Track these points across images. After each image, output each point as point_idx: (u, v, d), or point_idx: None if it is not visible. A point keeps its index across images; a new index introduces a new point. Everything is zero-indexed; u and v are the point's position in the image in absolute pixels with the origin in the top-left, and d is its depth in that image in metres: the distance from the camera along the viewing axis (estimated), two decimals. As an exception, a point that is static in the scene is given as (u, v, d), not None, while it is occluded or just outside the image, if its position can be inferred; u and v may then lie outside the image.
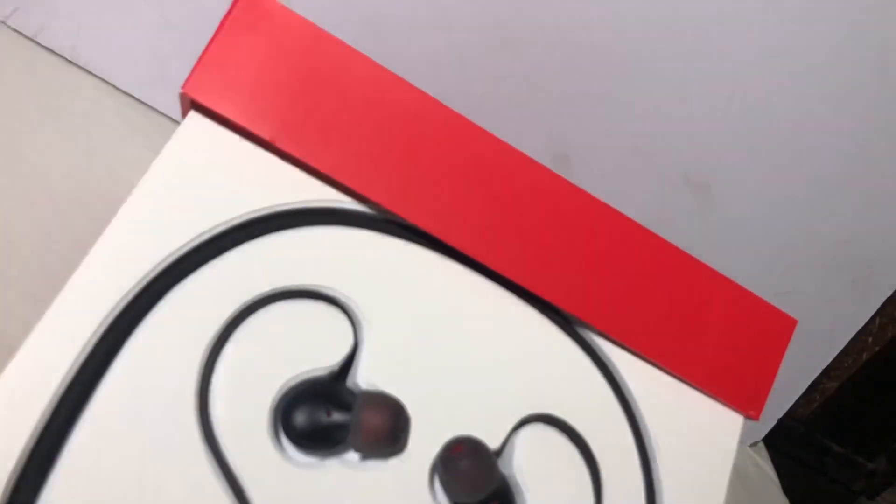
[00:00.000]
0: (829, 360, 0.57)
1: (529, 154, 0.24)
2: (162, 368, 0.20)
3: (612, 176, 0.48)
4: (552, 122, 0.46)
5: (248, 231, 0.22)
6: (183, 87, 0.22)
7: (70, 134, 0.41)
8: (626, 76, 0.45)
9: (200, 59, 0.22)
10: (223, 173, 0.22)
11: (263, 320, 0.21)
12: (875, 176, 0.48)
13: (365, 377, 0.22)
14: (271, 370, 0.21)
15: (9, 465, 0.18)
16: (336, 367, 0.21)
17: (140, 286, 0.20)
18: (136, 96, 0.45)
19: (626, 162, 0.47)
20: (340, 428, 0.20)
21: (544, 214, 0.24)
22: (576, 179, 0.25)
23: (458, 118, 0.23)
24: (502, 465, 0.22)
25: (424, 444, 0.21)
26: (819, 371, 0.58)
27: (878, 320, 0.56)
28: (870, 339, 0.58)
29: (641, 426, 0.24)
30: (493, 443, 0.22)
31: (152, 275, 0.20)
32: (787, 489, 0.55)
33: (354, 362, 0.22)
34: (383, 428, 0.20)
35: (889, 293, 0.53)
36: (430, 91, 0.23)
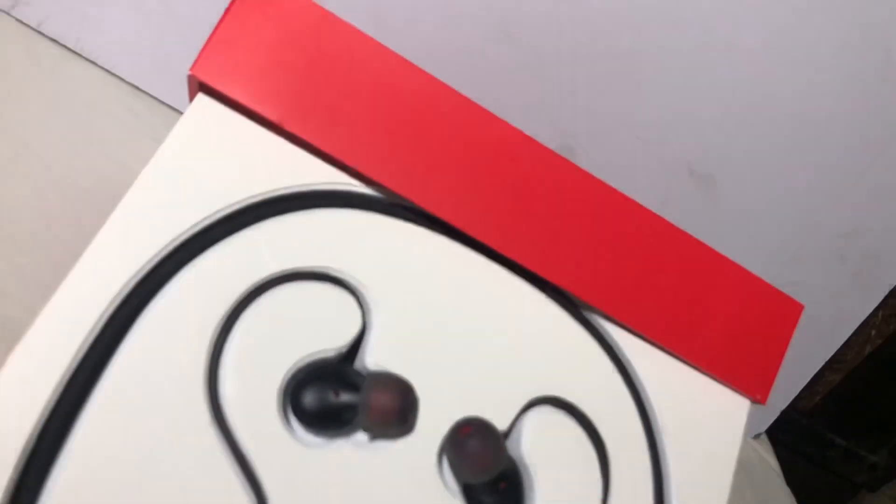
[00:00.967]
0: (832, 352, 0.57)
1: (533, 144, 0.24)
2: (171, 348, 0.20)
3: (616, 167, 0.48)
4: (556, 113, 0.46)
5: (257, 213, 0.22)
6: (191, 69, 0.22)
7: (74, 124, 0.41)
8: (630, 67, 0.45)
9: (208, 41, 0.22)
10: (231, 155, 0.22)
11: (272, 302, 0.21)
12: (879, 167, 0.48)
13: (373, 359, 0.22)
14: (280, 351, 0.21)
15: (19, 444, 0.18)
16: (344, 349, 0.21)
17: (149, 267, 0.20)
18: (139, 87, 0.45)
19: (630, 153, 0.47)
20: (349, 408, 0.21)
21: (552, 198, 0.24)
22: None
23: (466, 102, 0.23)
24: (510, 447, 0.22)
25: (432, 424, 0.21)
26: (822, 363, 0.58)
27: (880, 313, 0.56)
28: (872, 332, 0.58)
29: (649, 409, 0.24)
30: (501, 425, 0.22)
31: (161, 255, 0.20)
32: (789, 482, 0.55)
33: (362, 344, 0.22)
34: (392, 408, 0.20)
35: (893, 285, 0.53)
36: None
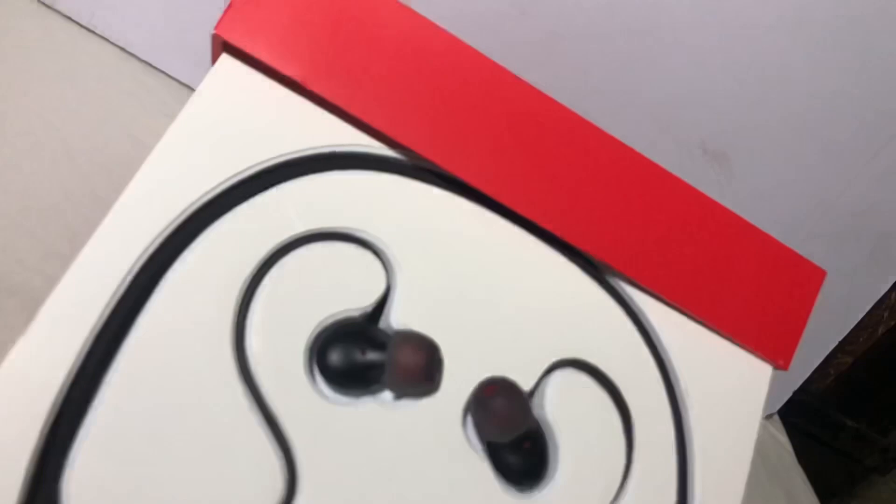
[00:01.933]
0: (844, 333, 0.57)
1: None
2: (198, 305, 0.20)
3: (629, 144, 0.48)
4: (569, 90, 0.46)
5: (281, 173, 0.22)
6: (216, 28, 0.21)
7: (88, 99, 0.41)
8: (643, 44, 0.45)
9: (233, 1, 0.22)
10: (256, 116, 0.22)
11: (297, 261, 0.21)
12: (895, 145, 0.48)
13: (397, 319, 0.22)
14: (305, 310, 0.21)
15: (50, 397, 0.18)
16: (369, 309, 0.22)
17: (175, 225, 0.20)
18: (153, 63, 0.45)
19: (643, 130, 0.47)
20: (375, 367, 0.21)
21: (576, 161, 0.24)
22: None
23: (490, 63, 0.23)
24: (534, 408, 0.22)
25: (457, 384, 0.21)
26: (834, 345, 0.58)
27: (894, 294, 0.56)
28: (885, 314, 0.58)
29: (671, 373, 0.24)
30: (524, 386, 0.22)
31: (187, 214, 0.20)
32: (799, 464, 0.55)
33: (387, 305, 0.22)
34: (418, 366, 0.20)
35: (907, 266, 0.53)
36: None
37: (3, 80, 0.39)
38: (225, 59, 0.22)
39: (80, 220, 0.35)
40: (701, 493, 0.23)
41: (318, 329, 0.21)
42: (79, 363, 0.18)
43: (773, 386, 0.25)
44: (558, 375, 0.23)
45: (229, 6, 0.22)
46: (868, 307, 0.56)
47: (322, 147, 0.22)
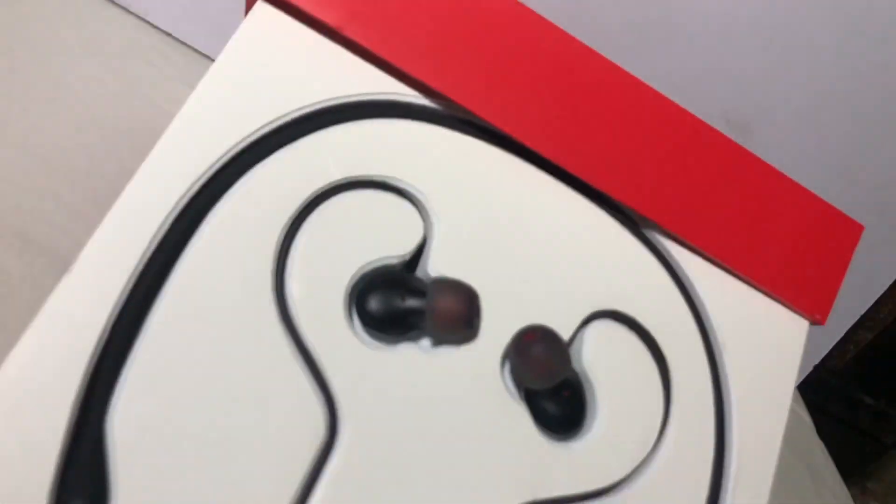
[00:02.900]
0: (864, 309, 0.57)
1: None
2: (238, 249, 0.20)
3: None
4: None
5: (318, 120, 0.21)
6: (252, -27, 0.21)
7: (111, 68, 0.41)
8: (665, 16, 0.44)
9: (267, -53, 0.21)
10: (292, 62, 0.21)
11: (334, 209, 0.21)
12: (921, 116, 0.47)
13: (435, 268, 0.21)
14: (343, 257, 0.21)
15: (92, 340, 0.18)
16: (407, 257, 0.21)
17: (214, 170, 0.20)
18: (172, 34, 0.45)
19: (666, 101, 0.47)
20: (414, 313, 0.20)
21: (614, 112, 0.23)
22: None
23: (527, 12, 0.23)
24: (572, 358, 0.22)
25: (495, 332, 0.21)
26: (854, 321, 0.58)
27: (915, 269, 0.55)
28: (907, 289, 0.58)
29: (708, 326, 0.24)
30: (562, 336, 0.22)
31: (225, 159, 0.20)
32: (818, 441, 0.55)
33: (424, 253, 0.22)
34: (458, 311, 0.20)
35: (930, 240, 0.53)
36: None
37: (27, 48, 0.39)
38: (261, 6, 0.22)
39: (105, 185, 0.35)
40: (738, 445, 0.23)
41: (357, 275, 0.21)
42: (120, 304, 0.18)
43: (809, 343, 0.25)
44: (596, 326, 0.23)
45: (265, -48, 0.22)
46: (889, 282, 0.55)
47: (358, 95, 0.22)
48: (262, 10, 0.22)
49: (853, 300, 0.56)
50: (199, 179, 0.20)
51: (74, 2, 0.43)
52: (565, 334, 0.22)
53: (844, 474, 0.54)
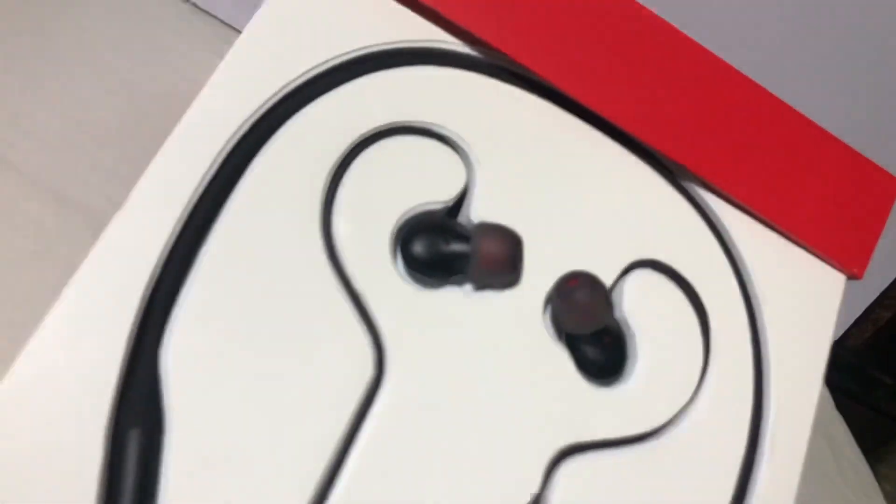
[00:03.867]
0: (884, 286, 0.57)
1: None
2: (285, 190, 0.20)
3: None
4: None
5: (364, 66, 0.22)
6: (297, -81, 0.21)
7: (138, 35, 0.41)
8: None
9: None
10: (339, 7, 0.22)
11: (378, 153, 0.21)
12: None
13: (477, 214, 0.22)
14: (388, 200, 0.21)
15: (144, 276, 0.18)
16: (450, 203, 0.22)
17: (261, 112, 0.20)
18: (197, 4, 0.45)
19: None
20: (458, 257, 0.21)
21: (655, 63, 0.23)
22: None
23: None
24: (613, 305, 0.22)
25: (537, 278, 0.21)
26: (872, 299, 0.58)
27: (937, 247, 0.55)
28: (927, 267, 0.58)
29: (746, 277, 0.24)
30: (602, 284, 0.22)
31: (273, 101, 0.20)
32: (835, 419, 0.55)
33: (466, 200, 0.22)
34: (502, 255, 0.20)
35: (952, 216, 0.52)
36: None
37: (57, 15, 0.39)
38: (305, -47, 0.22)
39: (136, 146, 0.35)
40: (776, 396, 0.23)
41: (402, 219, 0.21)
42: (173, 239, 0.19)
43: (846, 298, 0.25)
44: (636, 275, 0.23)
45: None
46: (910, 259, 0.55)
47: (400, 42, 0.22)
48: (307, -43, 0.22)
49: (872, 279, 0.56)
50: (247, 120, 0.20)
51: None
52: (606, 282, 0.22)
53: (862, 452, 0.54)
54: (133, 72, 0.38)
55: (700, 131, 0.24)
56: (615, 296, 0.23)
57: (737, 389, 0.23)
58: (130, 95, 0.37)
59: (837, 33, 0.46)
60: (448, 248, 0.21)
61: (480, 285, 0.21)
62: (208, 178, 0.19)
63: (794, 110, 0.25)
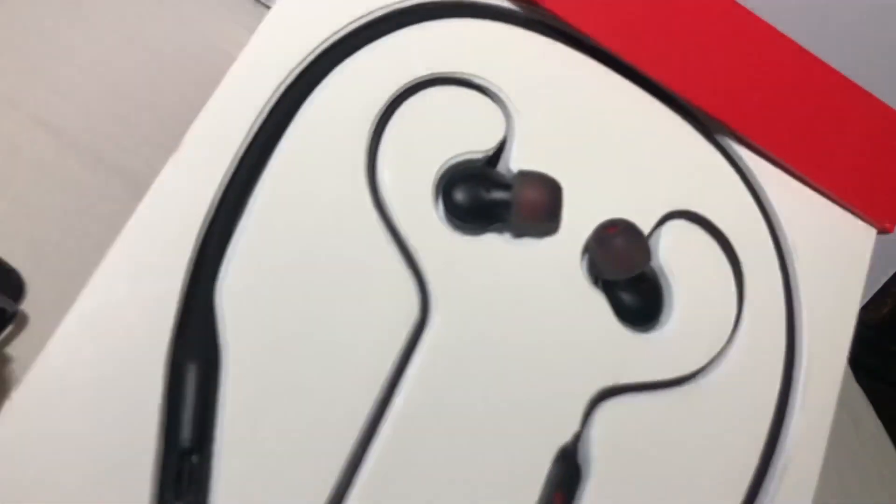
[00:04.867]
0: (904, 261, 0.57)
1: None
2: (331, 138, 0.20)
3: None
4: None
5: (406, 17, 0.22)
6: None
7: (168, 5, 0.41)
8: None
9: None
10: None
11: (420, 104, 0.22)
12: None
13: (516, 164, 0.22)
14: (430, 149, 0.21)
15: (198, 217, 0.19)
16: (490, 152, 0.22)
17: (306, 63, 0.21)
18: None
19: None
20: (499, 205, 0.21)
21: (691, 19, 0.24)
22: None
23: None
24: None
25: (575, 226, 0.22)
26: (891, 273, 0.58)
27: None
28: (947, 242, 0.57)
29: (779, 230, 0.24)
30: (639, 234, 0.23)
31: (317, 53, 0.21)
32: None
33: (506, 149, 0.22)
34: (543, 202, 0.21)
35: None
36: None
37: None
38: None
39: (169, 113, 0.36)
40: (808, 344, 0.23)
41: (444, 167, 0.21)
42: (225, 182, 0.19)
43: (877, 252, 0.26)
44: (672, 225, 0.23)
45: None
46: (930, 234, 0.55)
47: (443, -5, 0.22)
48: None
49: (891, 253, 0.56)
50: (294, 70, 0.21)
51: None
52: (643, 231, 0.23)
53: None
54: (163, 41, 0.39)
55: (734, 86, 0.24)
56: (651, 244, 0.23)
57: (770, 337, 0.23)
58: (161, 64, 0.38)
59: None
60: (489, 196, 0.21)
61: (520, 233, 0.21)
62: (258, 124, 0.20)
63: (827, 65, 0.25)
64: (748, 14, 0.24)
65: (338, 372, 0.19)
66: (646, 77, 0.23)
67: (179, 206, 0.19)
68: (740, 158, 0.24)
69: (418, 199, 0.21)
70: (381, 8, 0.22)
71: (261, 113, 0.20)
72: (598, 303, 0.22)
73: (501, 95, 0.22)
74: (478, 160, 0.22)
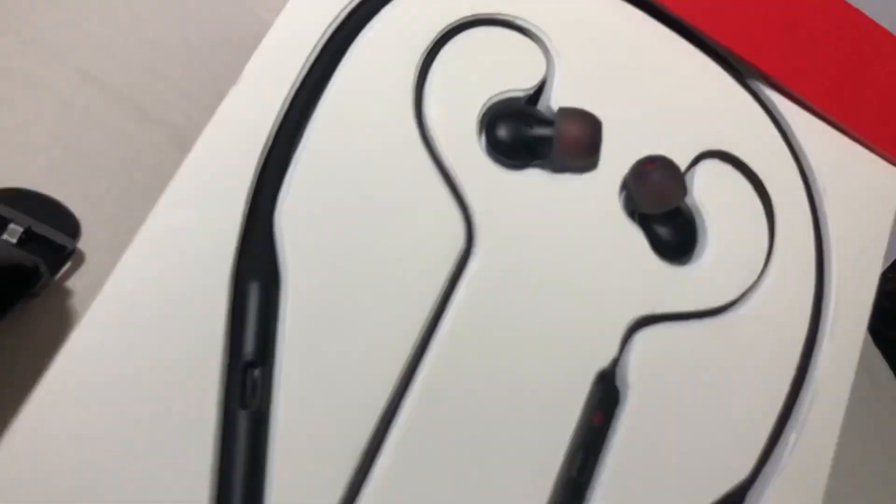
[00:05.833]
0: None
1: None
2: (380, 76, 0.21)
3: None
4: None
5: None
6: None
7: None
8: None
9: None
10: None
11: (463, 43, 0.23)
12: None
13: (557, 102, 0.23)
14: (474, 87, 0.22)
15: (258, 142, 0.20)
16: (531, 91, 0.23)
17: (354, 4, 0.21)
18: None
19: None
20: (540, 141, 0.22)
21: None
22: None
23: None
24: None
25: (613, 162, 0.23)
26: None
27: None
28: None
29: (808, 171, 0.25)
30: (673, 172, 0.23)
31: (365, -6, 0.22)
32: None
33: (546, 89, 0.23)
34: (584, 136, 0.22)
35: None
36: None
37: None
38: None
39: (205, 69, 0.37)
40: (837, 279, 0.24)
41: (487, 104, 0.22)
42: (282, 114, 0.20)
43: None
44: (705, 165, 0.24)
45: None
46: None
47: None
48: None
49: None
50: (346, 8, 0.21)
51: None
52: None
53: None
54: (197, 5, 0.40)
55: (766, 31, 0.25)
56: (686, 181, 0.24)
57: (800, 272, 0.24)
58: (199, 24, 0.38)
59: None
60: (531, 132, 0.22)
61: (560, 168, 0.22)
62: (311, 60, 0.21)
63: (858, 10, 0.25)
64: (781, -40, 0.25)
65: (389, 294, 0.20)
66: (681, 23, 0.24)
67: (240, 135, 0.20)
68: (771, 102, 0.25)
69: (463, 135, 0.22)
70: (426, -49, 0.22)
71: (314, 50, 0.21)
72: (635, 236, 0.22)
73: (542, 37, 0.23)
74: (519, 98, 0.23)
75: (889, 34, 0.26)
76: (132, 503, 0.17)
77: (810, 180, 0.25)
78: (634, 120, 0.23)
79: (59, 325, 0.25)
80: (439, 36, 0.22)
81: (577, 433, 0.21)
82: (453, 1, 0.22)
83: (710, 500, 0.21)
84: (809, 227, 0.24)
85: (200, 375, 0.18)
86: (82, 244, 0.26)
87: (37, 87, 0.31)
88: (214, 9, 0.40)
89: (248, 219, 0.19)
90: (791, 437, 0.22)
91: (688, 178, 0.24)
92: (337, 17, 0.21)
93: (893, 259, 0.60)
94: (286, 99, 0.20)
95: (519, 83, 0.23)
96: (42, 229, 0.24)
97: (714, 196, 0.24)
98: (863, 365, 0.50)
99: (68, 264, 0.25)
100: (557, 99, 0.23)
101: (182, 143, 0.34)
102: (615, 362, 0.21)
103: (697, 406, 0.22)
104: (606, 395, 0.21)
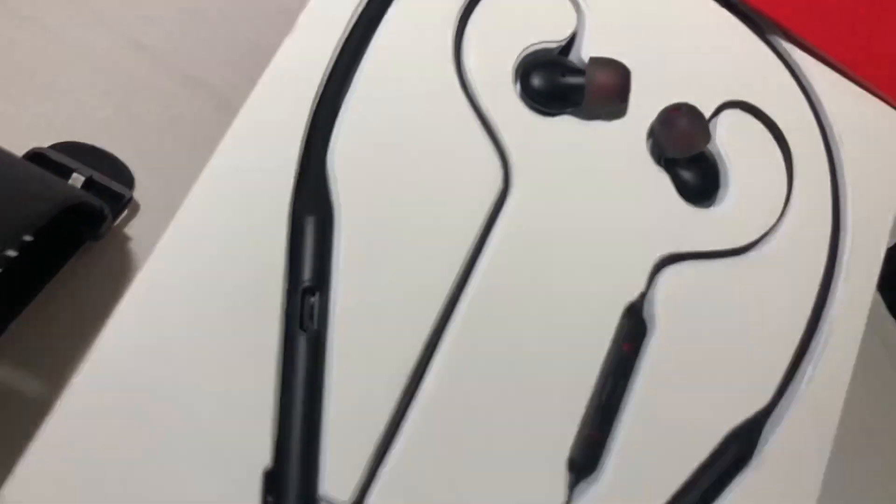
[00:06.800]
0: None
1: None
2: (422, 27, 0.23)
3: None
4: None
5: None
6: None
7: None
8: None
9: None
10: None
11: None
12: None
13: (587, 53, 0.24)
14: (510, 38, 0.24)
15: (311, 91, 0.21)
16: (563, 43, 0.24)
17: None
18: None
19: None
20: (572, 89, 0.23)
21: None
22: None
23: None
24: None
25: (640, 111, 0.24)
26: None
27: None
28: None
29: (825, 121, 0.26)
30: (697, 120, 0.25)
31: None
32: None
33: (576, 41, 0.24)
34: (614, 84, 0.23)
35: None
36: None
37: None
38: None
39: (244, 38, 0.38)
40: (853, 225, 0.25)
41: (522, 55, 0.23)
42: (332, 62, 0.22)
43: None
44: (728, 114, 0.25)
45: None
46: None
47: None
48: None
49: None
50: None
51: None
52: (700, 118, 0.25)
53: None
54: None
55: (787, -15, 0.26)
56: (710, 128, 0.25)
57: (817, 216, 0.25)
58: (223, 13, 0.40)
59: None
60: (563, 81, 0.23)
61: (591, 115, 0.24)
62: (358, 13, 0.22)
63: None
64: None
65: (433, 228, 0.21)
66: (704, -23, 0.25)
67: (295, 81, 0.21)
68: (790, 55, 0.26)
69: (499, 83, 0.23)
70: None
71: (361, 2, 0.22)
72: (662, 180, 0.24)
73: (572, -8, 0.24)
74: (552, 49, 0.24)
75: (905, -10, 0.27)
76: (206, 412, 0.19)
77: (827, 129, 0.26)
78: (661, 70, 0.25)
79: (121, 265, 0.26)
80: (474, -6, 0.24)
81: (608, 362, 0.22)
82: (488, -42, 0.24)
83: (732, 425, 0.23)
84: (826, 173, 0.26)
85: (263, 302, 0.20)
86: (136, 194, 0.28)
87: (88, 52, 0.33)
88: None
89: (303, 158, 0.21)
90: (808, 368, 0.24)
91: (711, 126, 0.25)
92: (378, -23, 0.23)
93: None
94: (336, 46, 0.22)
95: (552, 35, 0.24)
96: (102, 178, 0.26)
97: (736, 143, 0.25)
98: (875, 330, 0.51)
99: (125, 212, 0.27)
100: (588, 50, 0.24)
101: (222, 104, 0.35)
102: (643, 297, 0.23)
103: (719, 338, 0.23)
104: (634, 326, 0.22)
